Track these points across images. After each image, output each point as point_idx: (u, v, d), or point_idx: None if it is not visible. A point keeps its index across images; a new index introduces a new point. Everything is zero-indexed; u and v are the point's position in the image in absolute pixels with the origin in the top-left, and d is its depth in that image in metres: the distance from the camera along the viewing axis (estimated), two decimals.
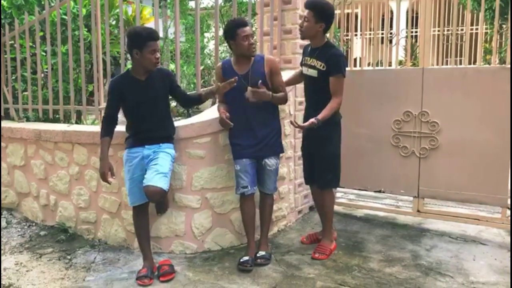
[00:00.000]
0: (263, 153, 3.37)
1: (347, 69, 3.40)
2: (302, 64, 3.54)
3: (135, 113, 3.20)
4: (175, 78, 3.38)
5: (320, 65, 3.29)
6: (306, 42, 3.57)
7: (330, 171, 3.45)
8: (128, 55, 3.30)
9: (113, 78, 3.31)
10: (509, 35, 3.85)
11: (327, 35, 3.50)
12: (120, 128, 3.30)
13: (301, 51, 4.02)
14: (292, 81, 3.79)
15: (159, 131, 3.22)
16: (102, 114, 3.65)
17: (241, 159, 3.35)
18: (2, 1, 5.20)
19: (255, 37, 3.49)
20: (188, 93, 3.54)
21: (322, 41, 3.35)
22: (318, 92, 3.35)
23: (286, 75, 3.77)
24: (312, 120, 3.16)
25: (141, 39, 3.02)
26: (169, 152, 3.22)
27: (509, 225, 3.77)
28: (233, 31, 3.22)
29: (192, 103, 3.65)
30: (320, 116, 3.18)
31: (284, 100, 3.45)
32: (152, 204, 3.31)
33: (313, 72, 3.35)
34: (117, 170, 3.48)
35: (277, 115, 3.50)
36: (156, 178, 3.05)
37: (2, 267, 3.38)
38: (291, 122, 3.23)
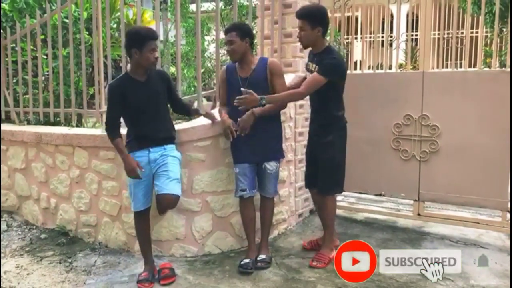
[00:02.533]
0: (263, 157, 3.36)
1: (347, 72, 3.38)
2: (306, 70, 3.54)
3: (137, 115, 3.13)
4: (171, 79, 3.38)
5: (315, 69, 3.28)
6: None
7: (331, 177, 3.40)
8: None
9: (112, 81, 3.28)
10: (509, 38, 3.86)
11: (328, 38, 3.49)
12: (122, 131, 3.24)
13: (302, 54, 4.04)
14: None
15: (162, 132, 3.18)
16: (103, 119, 3.63)
17: (240, 163, 3.36)
18: (3, 4, 5.22)
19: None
20: (183, 99, 3.55)
21: (323, 46, 3.30)
22: (319, 96, 3.33)
23: (286, 80, 3.76)
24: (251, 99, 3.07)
25: (140, 38, 2.99)
26: (176, 156, 3.21)
27: (509, 229, 3.78)
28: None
29: (181, 111, 3.64)
30: (267, 96, 3.11)
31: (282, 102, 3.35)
32: (153, 207, 3.30)
33: None
34: (119, 172, 3.49)
35: (278, 120, 3.48)
36: (171, 185, 3.06)
37: (2, 270, 3.38)
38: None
